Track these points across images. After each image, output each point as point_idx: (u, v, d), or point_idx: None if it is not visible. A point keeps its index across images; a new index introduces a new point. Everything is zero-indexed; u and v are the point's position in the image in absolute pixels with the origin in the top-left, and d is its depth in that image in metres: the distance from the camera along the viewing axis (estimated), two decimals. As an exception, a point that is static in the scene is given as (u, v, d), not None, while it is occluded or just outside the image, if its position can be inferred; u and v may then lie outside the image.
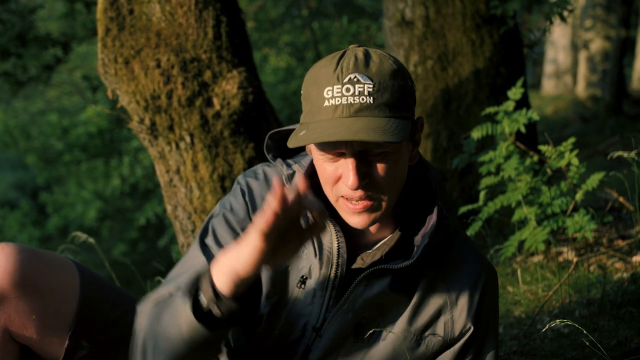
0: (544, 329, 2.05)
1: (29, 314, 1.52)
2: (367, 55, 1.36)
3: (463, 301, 1.47)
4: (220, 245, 1.49)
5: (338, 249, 1.46)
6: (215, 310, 1.29)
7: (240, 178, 1.58)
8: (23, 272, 1.50)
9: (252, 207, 1.52)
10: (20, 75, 7.27)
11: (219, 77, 2.74)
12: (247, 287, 1.30)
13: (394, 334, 1.46)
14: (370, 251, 1.49)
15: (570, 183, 2.79)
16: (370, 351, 1.48)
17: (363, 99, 1.31)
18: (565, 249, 3.12)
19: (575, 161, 2.73)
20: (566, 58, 12.89)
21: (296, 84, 9.47)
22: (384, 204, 1.38)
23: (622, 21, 10.66)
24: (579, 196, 2.70)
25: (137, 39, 2.71)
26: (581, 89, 11.71)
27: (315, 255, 1.48)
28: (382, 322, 1.49)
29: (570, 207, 2.77)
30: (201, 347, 1.33)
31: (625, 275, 2.75)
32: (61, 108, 13.47)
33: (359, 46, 1.39)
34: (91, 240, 2.84)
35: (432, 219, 1.44)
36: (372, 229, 1.48)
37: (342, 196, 1.37)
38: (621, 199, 3.18)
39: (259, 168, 1.59)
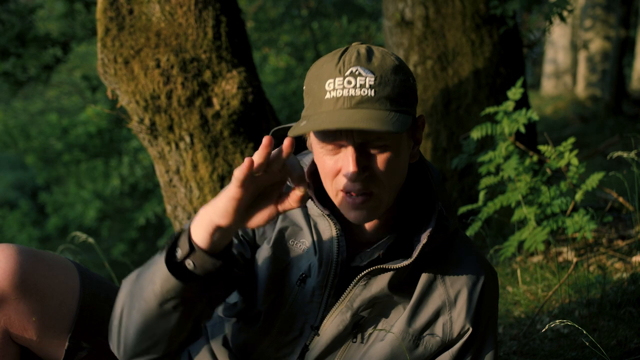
0: (544, 329, 2.05)
1: (29, 316, 1.52)
2: (369, 51, 1.36)
3: (462, 302, 1.47)
4: None
5: (338, 247, 1.46)
6: (189, 262, 1.29)
7: None
8: (23, 274, 1.50)
9: None
10: (20, 75, 7.27)
11: (219, 77, 2.74)
12: (223, 243, 1.30)
13: (393, 334, 1.46)
14: (369, 250, 1.48)
15: (570, 183, 2.79)
16: (368, 351, 1.48)
17: (364, 92, 1.31)
18: (564, 249, 3.12)
19: (574, 161, 2.73)
20: (566, 58, 12.90)
21: (296, 84, 9.48)
22: (383, 198, 1.38)
23: (621, 21, 10.67)
24: (578, 196, 2.70)
25: (136, 39, 2.71)
26: (581, 89, 11.72)
27: (315, 253, 1.48)
28: (380, 322, 1.49)
29: (570, 207, 2.77)
30: (173, 308, 1.32)
31: (624, 275, 2.75)
32: (61, 108, 13.47)
33: (361, 44, 1.40)
34: (91, 240, 2.84)
35: (432, 219, 1.44)
36: (372, 228, 1.48)
37: (342, 190, 1.37)
38: (621, 199, 3.18)
39: None
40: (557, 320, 1.77)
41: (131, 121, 2.78)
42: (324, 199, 1.48)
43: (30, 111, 13.74)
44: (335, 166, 1.36)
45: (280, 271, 1.51)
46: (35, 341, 1.55)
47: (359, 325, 1.48)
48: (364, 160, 1.33)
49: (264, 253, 1.52)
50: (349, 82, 1.32)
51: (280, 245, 1.51)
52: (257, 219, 1.27)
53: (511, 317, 2.72)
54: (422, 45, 3.79)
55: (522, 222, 2.94)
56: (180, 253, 1.30)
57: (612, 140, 7.00)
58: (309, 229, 1.50)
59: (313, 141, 1.41)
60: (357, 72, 1.32)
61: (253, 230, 1.54)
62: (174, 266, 1.30)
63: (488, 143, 3.53)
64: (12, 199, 13.84)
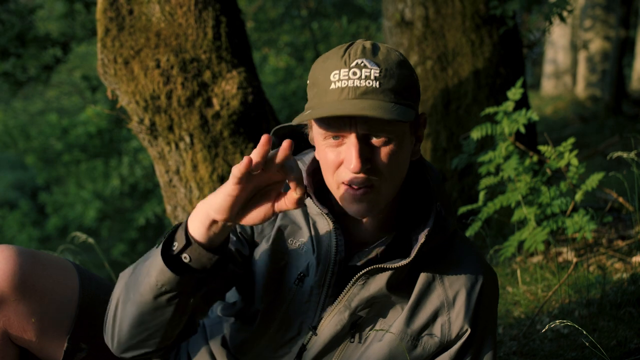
0: (544, 330, 2.05)
1: (28, 317, 1.52)
2: (374, 46, 1.38)
3: (460, 303, 1.47)
4: None
5: (336, 246, 1.46)
6: (185, 256, 1.30)
7: None
8: (22, 275, 1.50)
9: None
10: (20, 76, 7.27)
11: (219, 78, 2.74)
12: (220, 238, 1.30)
13: (391, 334, 1.46)
14: (367, 249, 1.48)
15: (570, 183, 2.79)
16: (366, 351, 1.48)
17: (369, 83, 1.32)
18: (564, 250, 3.12)
19: (574, 161, 2.73)
20: (566, 58, 12.90)
21: (295, 84, 9.47)
22: (383, 191, 1.38)
23: (621, 21, 10.67)
24: (578, 196, 2.70)
25: (136, 39, 2.71)
26: (581, 89, 11.72)
27: (314, 252, 1.48)
28: (378, 322, 1.49)
29: (570, 207, 2.77)
30: (167, 301, 1.32)
31: (624, 275, 2.75)
32: (60, 108, 13.47)
33: (366, 40, 1.41)
34: (91, 240, 2.84)
35: (430, 219, 1.44)
36: (370, 227, 1.48)
37: (344, 182, 1.37)
38: (621, 200, 3.18)
39: None
40: (557, 321, 1.77)
41: (131, 121, 2.78)
42: (323, 198, 1.48)
43: (30, 111, 13.74)
44: (338, 158, 1.36)
45: (278, 270, 1.51)
46: (34, 342, 1.55)
47: (356, 325, 1.48)
48: (367, 151, 1.34)
49: (262, 251, 1.52)
50: (355, 74, 1.32)
51: (279, 243, 1.51)
52: (253, 217, 1.28)
53: (511, 317, 2.72)
54: (422, 46, 3.79)
55: (522, 223, 2.94)
56: (176, 246, 1.31)
57: (612, 141, 7.00)
58: (308, 227, 1.50)
59: (315, 134, 1.41)
60: (362, 64, 1.33)
61: (252, 228, 1.54)
62: (170, 259, 1.31)
63: (488, 143, 3.53)
64: (12, 199, 13.84)
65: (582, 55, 11.59)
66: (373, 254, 1.47)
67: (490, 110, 2.94)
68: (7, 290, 1.49)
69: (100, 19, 2.73)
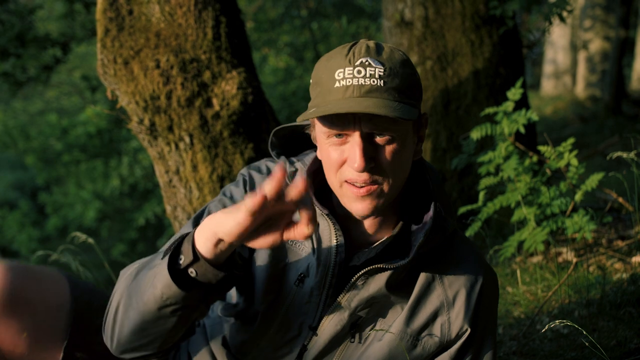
0: (544, 330, 2.05)
1: (20, 332, 1.51)
2: (378, 45, 1.38)
3: (460, 303, 1.47)
4: None
5: (337, 247, 1.46)
6: (192, 271, 1.29)
7: (243, 170, 1.59)
8: (12, 291, 1.49)
9: None
10: (20, 76, 7.27)
11: (219, 78, 2.74)
12: (226, 255, 1.29)
13: (391, 333, 1.46)
14: (367, 250, 1.48)
15: (570, 183, 2.79)
16: (366, 351, 1.48)
17: (374, 81, 1.32)
18: (564, 250, 3.12)
19: (574, 161, 2.73)
20: (565, 58, 12.91)
21: (295, 84, 9.47)
22: (386, 190, 1.38)
23: (621, 21, 10.67)
24: (578, 197, 2.70)
25: (136, 40, 2.71)
26: (580, 89, 11.73)
27: (314, 253, 1.48)
28: (378, 322, 1.49)
29: (570, 207, 2.77)
30: (171, 312, 1.32)
31: (624, 275, 2.75)
32: (60, 108, 13.47)
33: (369, 39, 1.41)
34: (90, 240, 2.84)
35: (429, 219, 1.44)
36: (371, 227, 1.48)
37: (347, 181, 1.37)
38: (620, 200, 3.18)
39: (263, 163, 1.60)
40: (557, 321, 1.77)
41: (131, 122, 2.78)
42: (323, 199, 1.48)
43: (30, 111, 13.74)
44: (341, 157, 1.36)
45: (278, 271, 1.51)
46: (26, 355, 1.54)
47: (356, 325, 1.49)
48: (370, 150, 1.34)
49: (262, 253, 1.52)
50: (359, 72, 1.33)
51: (279, 245, 1.51)
52: (261, 242, 1.26)
53: (511, 317, 2.72)
54: (421, 46, 3.79)
55: (522, 223, 2.94)
56: (183, 260, 1.30)
57: (611, 141, 7.00)
58: None
59: (319, 133, 1.41)
60: (367, 63, 1.33)
61: None
62: (176, 272, 1.30)
63: (488, 143, 3.53)
64: (12, 199, 13.84)
65: (581, 56, 11.59)
66: (373, 254, 1.47)
67: (490, 110, 2.95)
68: None
69: (100, 19, 2.73)
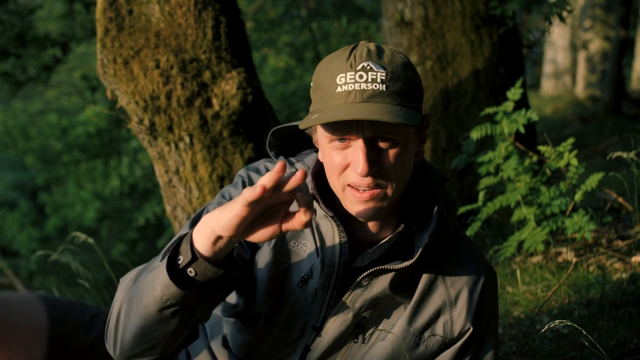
0: (543, 330, 2.05)
1: None
2: (379, 48, 1.38)
3: (462, 301, 1.48)
4: None
5: (340, 248, 1.46)
6: (191, 270, 1.29)
7: (242, 171, 1.59)
8: None
9: None
10: (19, 76, 7.26)
11: (218, 78, 2.74)
12: (224, 252, 1.29)
13: (393, 334, 1.47)
14: (370, 251, 1.49)
15: (570, 183, 2.79)
16: (369, 351, 1.48)
17: (376, 86, 1.32)
18: (564, 250, 3.12)
19: (574, 161, 2.73)
20: (565, 58, 12.91)
21: (295, 84, 9.47)
22: (390, 194, 1.38)
23: (621, 21, 10.67)
24: (578, 197, 2.70)
25: (136, 40, 2.71)
26: (580, 89, 11.73)
27: (318, 255, 1.48)
28: (382, 323, 1.49)
29: (570, 207, 2.77)
30: (172, 314, 1.32)
31: (624, 275, 2.75)
32: (60, 108, 13.46)
33: (369, 42, 1.40)
34: (90, 240, 2.84)
35: (432, 219, 1.44)
36: (374, 228, 1.48)
37: (350, 185, 1.37)
38: (620, 200, 3.18)
39: (261, 163, 1.60)
40: (557, 321, 1.77)
41: (131, 121, 2.78)
42: (326, 200, 1.48)
43: (30, 111, 13.74)
44: (344, 161, 1.36)
45: (280, 273, 1.51)
46: None
47: (360, 326, 1.49)
48: (373, 155, 1.34)
49: (264, 254, 1.52)
50: (361, 77, 1.32)
51: (281, 246, 1.51)
52: (260, 235, 1.26)
53: (511, 317, 2.72)
54: (421, 46, 3.79)
55: (522, 223, 2.94)
56: (182, 260, 1.30)
57: (611, 141, 7.00)
58: (311, 230, 1.50)
59: (320, 137, 1.41)
60: (368, 67, 1.33)
61: None
62: (175, 273, 1.30)
63: (488, 143, 3.53)
64: (12, 199, 13.84)
65: (581, 56, 11.59)
66: (377, 256, 1.47)
67: (489, 110, 2.95)
68: None
69: (100, 19, 2.73)
